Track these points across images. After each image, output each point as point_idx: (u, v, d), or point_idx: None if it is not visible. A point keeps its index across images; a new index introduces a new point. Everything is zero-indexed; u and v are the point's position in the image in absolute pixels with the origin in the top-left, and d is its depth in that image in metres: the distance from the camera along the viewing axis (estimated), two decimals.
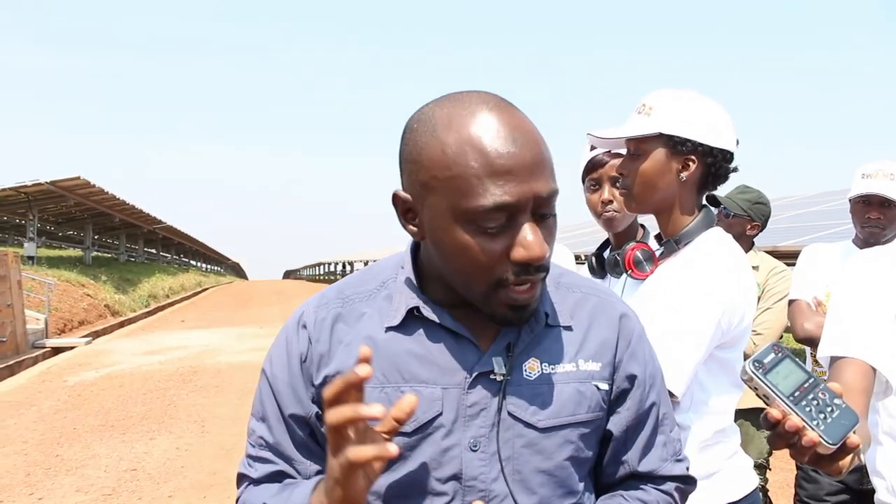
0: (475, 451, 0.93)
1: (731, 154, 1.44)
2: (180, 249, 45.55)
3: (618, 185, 1.81)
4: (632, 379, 1.01)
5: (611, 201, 1.84)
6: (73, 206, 20.81)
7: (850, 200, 2.47)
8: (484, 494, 0.93)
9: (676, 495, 1.05)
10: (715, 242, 1.44)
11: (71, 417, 6.60)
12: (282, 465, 0.99)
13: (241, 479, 1.02)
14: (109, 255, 29.24)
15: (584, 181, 1.92)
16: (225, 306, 21.49)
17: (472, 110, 0.85)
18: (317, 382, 0.97)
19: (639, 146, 1.44)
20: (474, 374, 0.93)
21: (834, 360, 1.26)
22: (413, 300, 0.96)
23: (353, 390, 0.76)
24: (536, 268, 0.87)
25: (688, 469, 1.07)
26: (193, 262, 52.02)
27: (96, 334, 13.24)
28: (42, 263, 17.52)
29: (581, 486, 0.99)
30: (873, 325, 1.24)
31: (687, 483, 1.07)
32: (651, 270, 1.48)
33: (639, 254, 1.48)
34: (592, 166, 1.87)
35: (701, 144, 1.40)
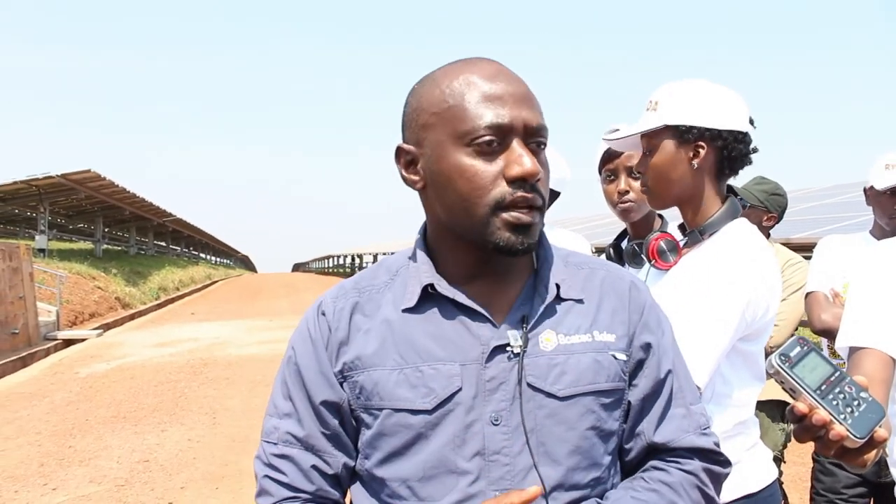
0: (497, 424, 0.93)
1: (743, 134, 1.41)
2: (190, 242, 45.77)
3: (633, 176, 1.81)
4: (646, 348, 1.01)
5: (627, 191, 1.84)
6: (83, 199, 20.93)
7: (869, 191, 2.40)
8: (508, 469, 0.92)
9: (703, 476, 0.99)
10: (740, 233, 1.42)
11: (83, 409, 6.66)
12: (312, 461, 0.98)
13: (265, 492, 0.99)
14: (120, 248, 29.41)
15: (600, 172, 1.91)
16: (234, 299, 21.60)
17: (467, 61, 0.96)
18: (336, 370, 0.98)
19: (650, 142, 1.45)
20: (491, 348, 0.94)
21: (853, 350, 1.25)
22: (427, 277, 0.97)
23: None
24: (532, 186, 0.91)
25: (717, 445, 1.02)
26: (203, 255, 52.26)
27: (107, 326, 13.34)
28: (53, 256, 17.65)
29: (606, 459, 0.98)
30: (892, 315, 1.23)
31: (716, 462, 1.01)
32: (675, 261, 1.46)
33: (663, 244, 1.46)
34: (609, 157, 1.86)
35: (707, 129, 1.38)
